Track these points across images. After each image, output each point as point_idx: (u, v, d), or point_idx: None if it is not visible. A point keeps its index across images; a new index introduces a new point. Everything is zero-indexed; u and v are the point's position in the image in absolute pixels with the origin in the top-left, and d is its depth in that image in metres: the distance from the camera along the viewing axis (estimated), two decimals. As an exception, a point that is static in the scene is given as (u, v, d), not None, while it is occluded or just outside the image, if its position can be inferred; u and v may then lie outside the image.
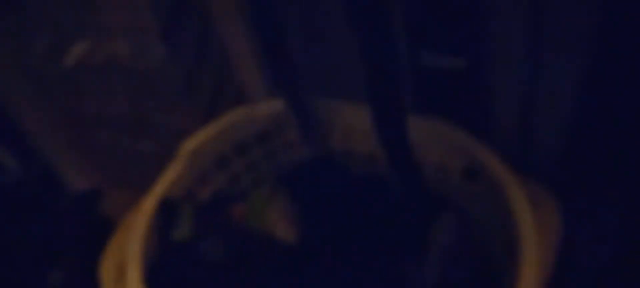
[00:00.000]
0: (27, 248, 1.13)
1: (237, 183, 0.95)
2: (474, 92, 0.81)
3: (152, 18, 0.85)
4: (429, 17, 0.74)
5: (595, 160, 0.83)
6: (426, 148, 0.84)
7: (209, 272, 0.81)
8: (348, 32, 0.83)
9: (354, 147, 0.91)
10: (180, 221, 0.85)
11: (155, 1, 0.85)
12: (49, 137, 1.21)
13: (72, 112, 1.12)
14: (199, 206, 0.89)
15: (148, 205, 0.82)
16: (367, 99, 0.70)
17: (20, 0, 0.93)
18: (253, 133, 0.92)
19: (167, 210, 0.84)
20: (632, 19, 0.68)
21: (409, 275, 0.79)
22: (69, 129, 1.19)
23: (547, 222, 0.75)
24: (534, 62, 0.74)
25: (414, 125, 0.78)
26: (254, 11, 0.76)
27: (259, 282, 0.80)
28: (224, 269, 0.81)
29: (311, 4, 0.84)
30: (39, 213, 1.20)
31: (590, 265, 0.86)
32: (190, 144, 0.88)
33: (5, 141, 1.15)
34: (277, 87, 0.86)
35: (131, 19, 0.87)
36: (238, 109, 0.90)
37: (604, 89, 0.74)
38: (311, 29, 0.86)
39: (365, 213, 0.85)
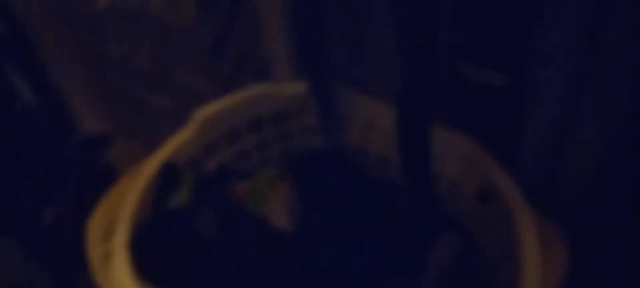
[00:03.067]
0: (26, 181, 1.12)
1: (245, 160, 0.92)
2: (507, 113, 0.77)
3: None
4: (475, 29, 0.70)
5: (615, 208, 0.79)
6: (443, 161, 0.80)
7: (198, 245, 0.78)
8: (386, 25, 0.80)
9: (370, 147, 0.88)
10: (180, 188, 0.83)
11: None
12: (67, 74, 1.19)
13: (94, 53, 1.11)
14: (202, 176, 0.86)
15: (150, 166, 0.80)
16: (397, 97, 0.66)
17: None
18: (270, 111, 0.89)
19: (168, 175, 0.82)
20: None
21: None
22: (88, 70, 1.17)
23: (554, 261, 0.72)
24: (576, 91, 0.70)
25: (434, 134, 0.74)
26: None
27: (246, 264, 0.77)
28: (213, 245, 0.79)
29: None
30: (45, 148, 1.18)
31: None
32: (204, 112, 0.85)
33: (23, 71, 1.14)
34: (306, 68, 0.82)
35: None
36: (260, 85, 0.88)
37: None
38: (350, 18, 0.83)
39: (368, 217, 0.81)
